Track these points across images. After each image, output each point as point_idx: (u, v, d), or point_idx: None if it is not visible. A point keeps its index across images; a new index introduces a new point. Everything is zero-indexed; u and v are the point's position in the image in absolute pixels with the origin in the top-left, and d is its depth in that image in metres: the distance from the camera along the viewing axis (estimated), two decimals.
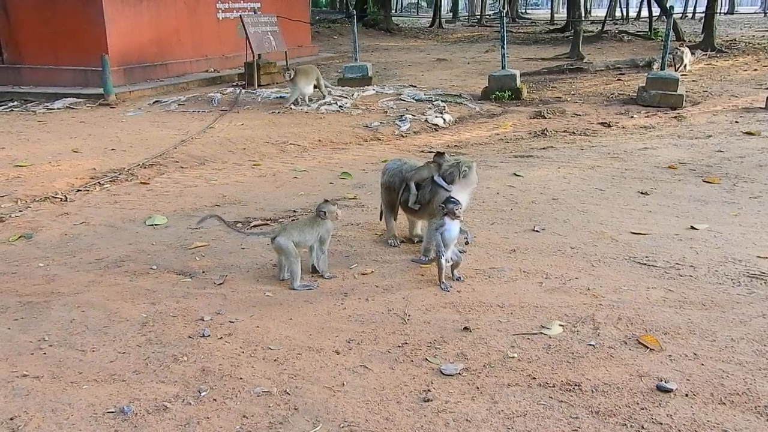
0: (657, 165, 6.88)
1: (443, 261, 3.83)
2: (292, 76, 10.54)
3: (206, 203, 5.85)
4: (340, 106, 10.69)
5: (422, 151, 8.11)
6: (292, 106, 10.62)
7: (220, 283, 3.99)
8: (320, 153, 8.09)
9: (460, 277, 3.92)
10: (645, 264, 4.17)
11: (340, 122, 9.68)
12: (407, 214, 4.71)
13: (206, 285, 3.98)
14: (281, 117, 9.93)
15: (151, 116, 10.26)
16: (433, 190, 4.31)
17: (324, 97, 11.16)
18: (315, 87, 10.97)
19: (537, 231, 4.84)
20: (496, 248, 4.50)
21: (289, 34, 15.63)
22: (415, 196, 4.39)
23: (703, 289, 3.79)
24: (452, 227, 3.87)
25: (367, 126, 9.38)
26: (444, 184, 4.24)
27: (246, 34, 12.41)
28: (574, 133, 8.94)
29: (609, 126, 9.33)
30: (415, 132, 9.39)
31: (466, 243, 4.29)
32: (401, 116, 9.92)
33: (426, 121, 9.87)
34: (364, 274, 4.08)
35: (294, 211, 5.52)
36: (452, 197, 4.00)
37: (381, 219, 4.83)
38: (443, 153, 4.40)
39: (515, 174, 6.59)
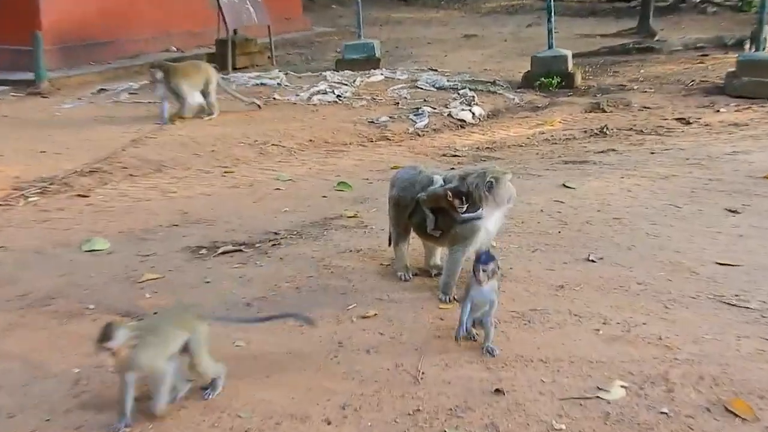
0: (750, 174, 6.82)
1: (465, 320, 3.75)
2: (162, 77, 9.01)
3: (162, 222, 5.85)
4: (338, 96, 10.73)
5: (444, 155, 8.10)
6: (171, 123, 9.12)
7: None
8: (311, 157, 8.08)
9: (493, 350, 3.77)
10: (734, 305, 4.12)
11: (337, 116, 9.70)
12: (423, 240, 4.68)
13: None
14: (262, 110, 9.97)
15: (95, 108, 10.33)
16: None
17: (211, 112, 9.49)
18: (204, 93, 9.40)
19: (593, 261, 4.80)
20: (538, 283, 4.46)
21: (275, 3, 15.75)
22: (433, 221, 4.36)
23: None
24: (483, 289, 3.72)
25: (372, 121, 9.39)
26: (471, 216, 4.21)
27: (218, 3, 12.52)
28: (642, 131, 8.90)
29: (688, 123, 9.29)
30: (434, 129, 9.38)
31: (500, 276, 4.25)
32: (417, 109, 9.94)
33: (449, 115, 9.87)
34: (365, 318, 4.05)
35: (276, 233, 5.50)
36: (485, 254, 3.77)
37: (390, 245, 4.80)
38: (461, 193, 4.21)
39: (565, 185, 6.56)
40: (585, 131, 9.00)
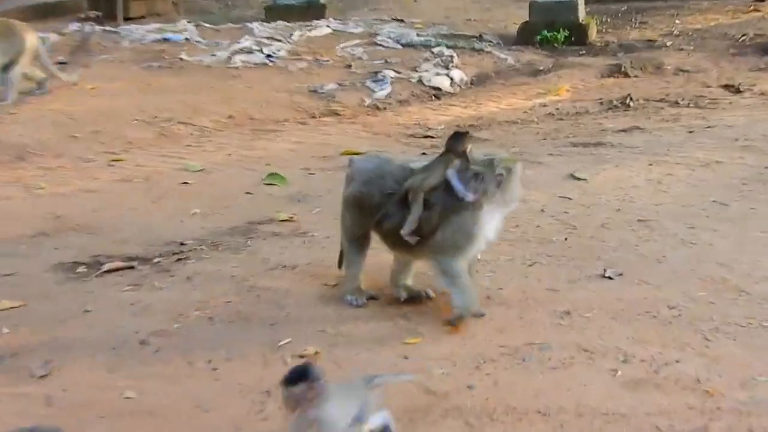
0: None
1: None
2: None
3: (25, 229, 5.78)
4: (268, 56, 10.67)
5: (412, 136, 8.10)
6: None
7: (44, 375, 3.92)
8: (232, 139, 8.04)
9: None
10: None
11: (267, 84, 9.66)
12: (394, 252, 4.64)
13: (19, 379, 3.90)
14: (164, 75, 9.90)
15: None
16: (449, 207, 4.27)
17: (41, 85, 9.27)
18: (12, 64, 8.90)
19: (609, 278, 4.83)
20: (536, 309, 4.47)
21: None
22: (417, 220, 4.29)
23: None
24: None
25: (315, 91, 9.37)
26: (462, 188, 4.22)
27: None
28: (677, 103, 8.99)
29: (738, 91, 9.40)
30: (400, 101, 9.38)
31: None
32: (376, 74, 9.95)
33: (420, 81, 9.88)
34: (302, 357, 4.00)
35: (182, 243, 5.46)
36: (294, 372, 3.05)
37: (341, 266, 4.80)
38: (466, 133, 4.38)
39: (574, 176, 6.62)
40: (601, 103, 9.08)
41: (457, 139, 4.36)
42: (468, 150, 4.30)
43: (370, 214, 4.52)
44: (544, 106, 9.12)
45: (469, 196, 4.23)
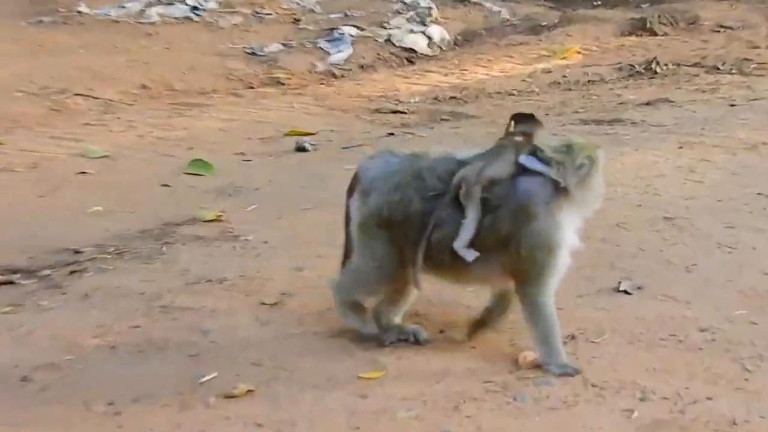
0: None
1: None
2: None
3: None
4: (193, 8, 10.63)
5: (377, 111, 8.10)
6: None
7: None
8: (145, 115, 8.03)
9: None
10: None
11: (192, 44, 9.65)
12: (440, 275, 4.45)
13: None
14: (58, 32, 9.86)
15: None
16: (522, 209, 4.11)
17: None
18: None
19: (626, 292, 4.87)
20: None
21: None
22: (475, 227, 4.12)
23: None
24: None
25: (253, 53, 9.39)
26: (548, 170, 4.09)
27: None
28: (715, 68, 9.04)
29: None
30: (363, 66, 9.39)
31: None
32: (333, 31, 9.99)
33: (389, 41, 9.90)
34: (230, 398, 4.01)
35: (78, 251, 5.47)
36: None
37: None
38: (532, 115, 4.39)
39: None
40: (620, 68, 9.13)
41: (526, 120, 4.34)
42: (536, 136, 4.29)
43: (410, 231, 4.27)
44: (548, 72, 9.16)
45: (561, 182, 4.10)
